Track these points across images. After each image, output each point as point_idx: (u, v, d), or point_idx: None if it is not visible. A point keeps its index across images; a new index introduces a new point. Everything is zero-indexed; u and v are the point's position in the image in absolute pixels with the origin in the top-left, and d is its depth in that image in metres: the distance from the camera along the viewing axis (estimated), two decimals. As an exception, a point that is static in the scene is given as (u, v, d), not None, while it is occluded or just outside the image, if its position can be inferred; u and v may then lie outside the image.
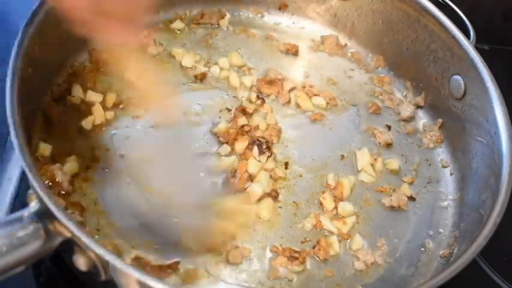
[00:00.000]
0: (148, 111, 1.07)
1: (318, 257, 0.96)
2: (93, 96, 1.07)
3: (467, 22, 1.18)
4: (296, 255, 0.94)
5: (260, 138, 1.06)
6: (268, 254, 0.95)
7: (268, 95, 1.18)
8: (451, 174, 1.13)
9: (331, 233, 0.99)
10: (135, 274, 0.72)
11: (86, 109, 1.06)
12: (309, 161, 1.10)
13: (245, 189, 1.00)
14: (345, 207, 1.03)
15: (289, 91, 1.19)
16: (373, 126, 1.18)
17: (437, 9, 1.17)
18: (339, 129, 1.17)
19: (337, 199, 1.04)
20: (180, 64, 1.19)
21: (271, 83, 1.18)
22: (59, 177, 0.93)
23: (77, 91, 1.07)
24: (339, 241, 0.98)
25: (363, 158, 1.11)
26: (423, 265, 1.00)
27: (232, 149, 1.05)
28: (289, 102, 1.18)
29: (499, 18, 1.54)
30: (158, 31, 1.24)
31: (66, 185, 0.93)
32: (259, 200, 1.00)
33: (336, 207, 1.03)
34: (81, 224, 0.91)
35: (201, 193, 0.97)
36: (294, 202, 1.03)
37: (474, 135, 1.09)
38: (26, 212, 0.75)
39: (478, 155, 1.07)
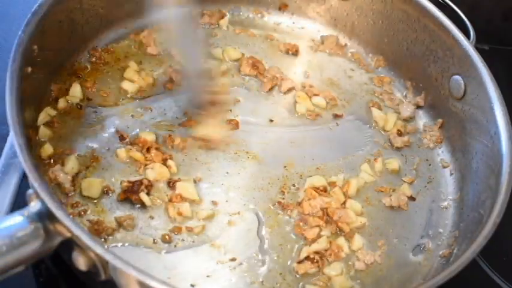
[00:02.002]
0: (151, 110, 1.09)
1: (328, 260, 0.96)
2: (94, 96, 1.08)
3: (467, 22, 1.18)
4: (318, 257, 0.94)
5: None
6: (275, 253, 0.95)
7: (246, 75, 1.18)
8: (451, 174, 1.13)
9: (334, 235, 0.99)
10: (135, 274, 0.72)
11: (85, 109, 1.06)
12: (308, 161, 1.10)
13: None
14: (353, 205, 1.03)
15: (288, 91, 1.20)
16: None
17: (437, 9, 1.17)
18: (338, 129, 1.17)
19: (346, 196, 1.04)
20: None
21: (253, 65, 1.19)
22: (61, 179, 0.93)
23: (77, 91, 1.07)
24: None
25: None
26: (423, 265, 1.00)
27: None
28: (271, 89, 1.19)
29: (499, 18, 1.54)
30: (158, 31, 1.24)
31: (69, 185, 0.94)
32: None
33: (344, 203, 1.03)
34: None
35: None
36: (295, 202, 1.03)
37: (474, 135, 1.09)
38: (25, 212, 0.75)
39: (478, 155, 1.07)
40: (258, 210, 1.00)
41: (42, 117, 1.00)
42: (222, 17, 1.30)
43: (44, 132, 0.99)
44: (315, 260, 0.94)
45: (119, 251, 0.89)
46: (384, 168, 1.12)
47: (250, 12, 1.34)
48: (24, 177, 1.03)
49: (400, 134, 1.17)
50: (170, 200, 0.97)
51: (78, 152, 0.99)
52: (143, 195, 0.95)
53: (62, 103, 1.05)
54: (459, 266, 0.83)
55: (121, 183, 0.97)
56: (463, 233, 1.01)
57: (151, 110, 1.10)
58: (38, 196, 0.76)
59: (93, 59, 1.14)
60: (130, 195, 0.95)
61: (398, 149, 1.16)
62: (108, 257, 0.72)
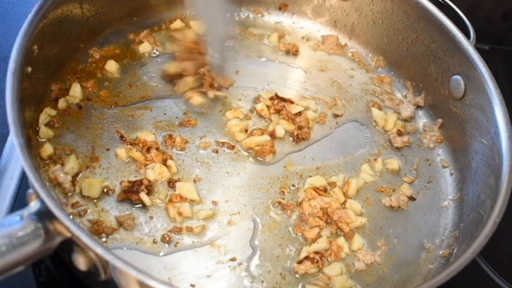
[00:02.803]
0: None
1: (328, 260, 0.96)
2: (94, 96, 1.08)
3: (467, 22, 1.18)
4: (318, 257, 0.94)
5: None
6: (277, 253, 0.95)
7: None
8: (451, 174, 1.13)
9: (334, 235, 0.99)
10: (135, 274, 0.72)
11: (85, 109, 1.06)
12: (308, 161, 1.10)
13: None
14: (353, 205, 1.03)
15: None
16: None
17: (437, 9, 1.17)
18: (338, 129, 1.17)
19: (346, 196, 1.04)
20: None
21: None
22: (61, 179, 0.93)
23: (77, 91, 1.07)
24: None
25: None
26: (423, 265, 1.00)
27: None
28: None
29: (499, 18, 1.54)
30: (158, 31, 1.24)
31: (69, 185, 0.94)
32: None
33: (344, 203, 1.03)
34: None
35: None
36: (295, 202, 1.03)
37: (474, 135, 1.09)
38: (25, 212, 0.75)
39: (478, 155, 1.07)
40: (258, 210, 1.00)
41: (43, 118, 1.00)
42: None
43: (44, 132, 0.99)
44: (315, 260, 0.94)
45: (118, 251, 0.90)
46: (384, 168, 1.12)
47: (250, 12, 1.34)
48: (24, 177, 1.03)
49: (400, 134, 1.17)
50: (170, 200, 0.97)
51: (78, 152, 0.99)
52: (143, 195, 0.95)
53: (62, 103, 1.05)
54: (459, 266, 0.83)
55: (121, 183, 0.97)
56: (463, 233, 1.01)
57: (151, 110, 1.10)
58: (37, 196, 0.76)
59: (93, 59, 1.14)
60: (130, 195, 0.95)
61: (398, 149, 1.16)
62: (108, 257, 0.72)
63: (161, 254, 0.91)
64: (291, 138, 1.12)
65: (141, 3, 1.22)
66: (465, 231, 1.00)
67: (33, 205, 0.76)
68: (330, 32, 1.34)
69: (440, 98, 1.19)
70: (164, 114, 1.10)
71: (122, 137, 1.03)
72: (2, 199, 0.99)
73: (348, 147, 1.14)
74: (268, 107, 1.15)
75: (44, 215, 0.75)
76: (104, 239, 0.91)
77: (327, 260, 0.96)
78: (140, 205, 0.96)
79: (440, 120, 1.20)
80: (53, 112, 1.03)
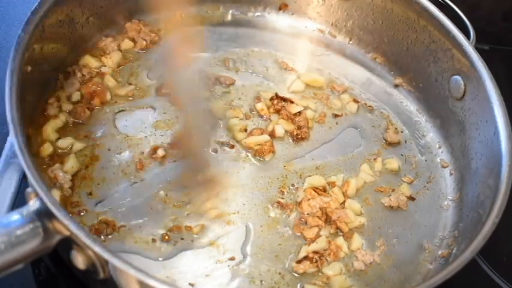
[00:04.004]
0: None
1: (327, 259, 0.96)
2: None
3: (467, 22, 1.18)
4: (317, 256, 0.94)
5: None
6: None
7: None
8: (451, 174, 1.13)
9: (333, 234, 0.99)
10: (134, 273, 0.72)
11: (85, 109, 1.06)
12: (308, 160, 1.10)
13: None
14: (352, 204, 1.03)
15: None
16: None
17: (437, 9, 1.17)
18: (338, 129, 1.17)
19: (345, 196, 1.04)
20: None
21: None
22: (60, 178, 0.93)
23: (76, 92, 1.07)
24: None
25: None
26: (422, 265, 1.00)
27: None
28: None
29: (499, 18, 1.54)
30: (158, 31, 1.24)
31: (68, 185, 0.94)
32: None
33: (343, 203, 1.03)
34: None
35: None
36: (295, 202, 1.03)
37: (474, 135, 1.09)
38: (24, 210, 0.76)
39: (478, 155, 1.07)
40: (257, 210, 1.00)
41: (43, 117, 1.00)
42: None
43: (43, 131, 0.99)
44: (314, 260, 0.94)
45: (118, 249, 0.90)
46: (383, 168, 1.12)
47: (250, 12, 1.34)
48: (24, 177, 1.03)
49: (397, 133, 1.17)
50: (170, 199, 0.97)
51: (78, 151, 0.99)
52: (142, 195, 0.96)
53: (62, 103, 1.05)
54: (458, 265, 0.83)
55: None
56: (462, 233, 1.01)
57: (151, 109, 1.10)
58: (36, 195, 0.76)
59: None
60: (129, 194, 0.96)
61: (397, 148, 1.16)
62: (107, 255, 0.72)
63: (160, 253, 0.91)
64: (290, 138, 1.12)
65: (141, 3, 1.22)
66: (464, 231, 1.00)
67: (32, 204, 0.76)
68: (330, 32, 1.34)
69: (440, 98, 1.19)
70: (164, 113, 1.10)
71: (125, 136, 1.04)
72: (2, 198, 0.99)
73: (347, 147, 1.14)
74: (268, 106, 1.15)
75: (43, 214, 0.75)
76: (103, 238, 0.91)
77: (326, 259, 0.96)
78: (139, 204, 0.96)
79: (440, 120, 1.19)
80: (54, 111, 1.03)
